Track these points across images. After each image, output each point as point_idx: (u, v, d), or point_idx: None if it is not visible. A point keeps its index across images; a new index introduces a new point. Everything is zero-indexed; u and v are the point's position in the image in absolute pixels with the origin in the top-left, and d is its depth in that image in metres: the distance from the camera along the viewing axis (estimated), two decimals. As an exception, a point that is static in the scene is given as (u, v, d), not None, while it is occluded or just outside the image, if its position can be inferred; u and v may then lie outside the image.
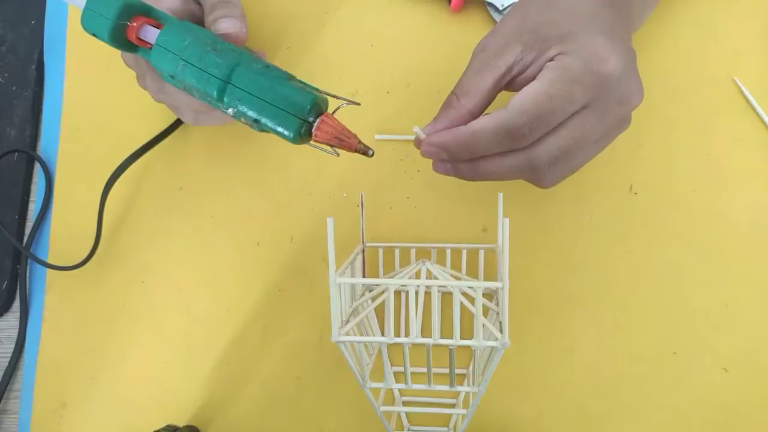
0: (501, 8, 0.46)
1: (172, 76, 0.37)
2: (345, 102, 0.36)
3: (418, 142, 0.37)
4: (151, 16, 0.38)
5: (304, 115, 0.35)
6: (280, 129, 0.35)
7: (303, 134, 0.35)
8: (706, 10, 0.47)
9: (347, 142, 0.35)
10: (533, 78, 0.35)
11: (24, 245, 0.50)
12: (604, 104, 0.35)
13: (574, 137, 0.35)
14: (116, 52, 0.50)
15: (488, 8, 0.47)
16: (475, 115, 0.36)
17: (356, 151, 0.36)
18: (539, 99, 0.33)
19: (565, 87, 0.33)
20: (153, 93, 0.41)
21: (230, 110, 0.36)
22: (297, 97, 0.35)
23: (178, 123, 0.50)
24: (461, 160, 0.37)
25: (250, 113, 0.35)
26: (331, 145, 0.36)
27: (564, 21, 0.35)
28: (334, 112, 0.36)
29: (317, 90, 0.36)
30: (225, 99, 0.36)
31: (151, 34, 0.37)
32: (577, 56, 0.33)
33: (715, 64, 0.46)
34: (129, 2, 0.37)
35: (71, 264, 0.47)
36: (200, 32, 0.37)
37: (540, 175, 0.37)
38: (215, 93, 0.35)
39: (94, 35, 0.37)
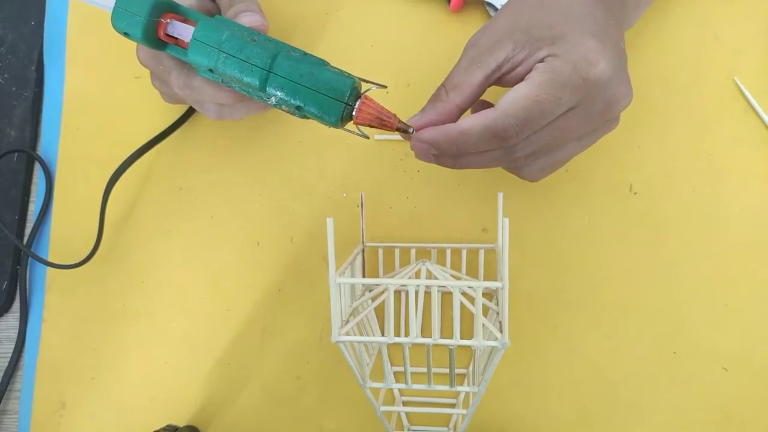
0: (500, 8, 0.46)
1: (210, 70, 0.37)
2: (374, 86, 0.37)
3: (406, 135, 0.38)
4: (177, 12, 0.38)
5: (345, 98, 0.35)
6: (322, 114, 0.36)
7: (344, 118, 0.36)
8: (705, 10, 0.47)
9: (388, 122, 0.36)
10: (522, 77, 0.35)
11: (24, 245, 0.50)
12: (590, 106, 0.35)
13: (553, 135, 0.35)
14: (116, 53, 0.51)
15: (487, 8, 0.47)
16: (463, 109, 0.37)
17: (397, 129, 0.36)
18: (528, 103, 0.34)
19: (553, 92, 0.33)
20: (178, 89, 0.41)
21: (272, 99, 0.37)
22: (337, 82, 0.36)
23: (181, 121, 0.50)
24: (448, 155, 0.37)
25: (293, 100, 0.36)
26: (371, 126, 0.36)
27: (556, 22, 0.35)
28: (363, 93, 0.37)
29: (350, 74, 0.37)
30: (267, 88, 0.36)
31: (180, 30, 0.37)
32: (566, 60, 0.34)
33: (715, 64, 0.46)
34: None
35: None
36: (235, 25, 0.38)
37: (518, 166, 0.37)
38: (258, 83, 0.36)
39: (125, 35, 0.38)
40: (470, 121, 0.35)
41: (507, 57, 0.35)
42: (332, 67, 0.37)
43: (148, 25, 0.37)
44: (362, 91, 0.36)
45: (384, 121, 0.36)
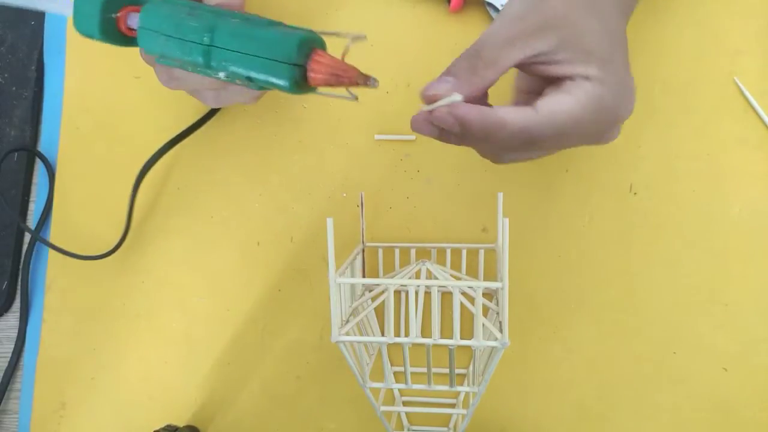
0: (500, 8, 0.46)
1: (162, 56, 0.35)
2: (350, 38, 0.32)
3: (428, 98, 0.33)
4: (137, 3, 0.36)
5: (292, 59, 0.31)
6: (273, 80, 0.32)
7: (300, 81, 0.32)
8: (706, 10, 0.47)
9: (345, 77, 0.31)
10: (552, 77, 0.33)
11: (24, 246, 0.50)
12: (600, 130, 0.35)
13: (557, 147, 0.36)
14: (116, 52, 0.51)
15: (488, 8, 0.47)
16: (488, 87, 0.34)
17: (359, 84, 0.32)
18: (570, 121, 0.32)
19: (592, 118, 0.33)
20: (164, 83, 0.39)
21: (221, 74, 0.33)
22: (280, 42, 0.32)
23: (207, 117, 0.48)
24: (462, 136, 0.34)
25: (240, 71, 0.33)
26: (331, 86, 0.32)
27: (604, 40, 0.33)
28: (342, 57, 0.32)
29: (311, 31, 0.33)
30: (212, 63, 0.33)
31: (135, 20, 0.36)
32: (613, 95, 0.33)
33: (715, 64, 0.46)
34: None
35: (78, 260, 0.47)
36: (176, 3, 0.35)
37: (497, 159, 0.37)
38: (201, 59, 0.33)
39: (90, 37, 0.36)
40: (512, 114, 0.32)
41: (546, 50, 0.32)
42: (282, 26, 0.33)
43: (104, 22, 0.35)
44: (342, 52, 0.32)
45: (341, 77, 0.31)
